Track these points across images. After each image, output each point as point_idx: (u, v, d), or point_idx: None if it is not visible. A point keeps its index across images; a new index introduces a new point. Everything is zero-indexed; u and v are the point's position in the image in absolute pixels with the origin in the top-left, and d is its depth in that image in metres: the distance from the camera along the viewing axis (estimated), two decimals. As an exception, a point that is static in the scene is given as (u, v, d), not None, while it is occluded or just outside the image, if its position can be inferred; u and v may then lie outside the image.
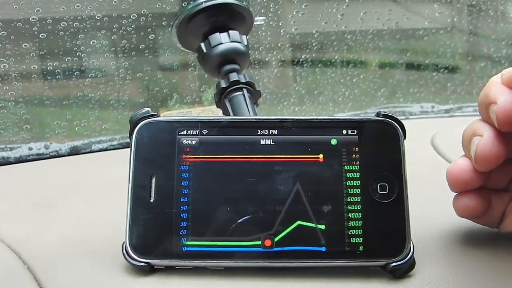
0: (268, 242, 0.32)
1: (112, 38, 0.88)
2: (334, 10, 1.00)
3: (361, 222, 0.32)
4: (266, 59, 1.02)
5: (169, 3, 0.87)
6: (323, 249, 0.31)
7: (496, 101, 0.29)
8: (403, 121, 0.33)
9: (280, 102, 1.03)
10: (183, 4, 0.86)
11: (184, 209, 0.32)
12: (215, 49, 0.47)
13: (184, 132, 0.33)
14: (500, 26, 1.18)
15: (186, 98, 0.98)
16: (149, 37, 0.87)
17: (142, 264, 0.31)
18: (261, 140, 0.33)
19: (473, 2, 1.18)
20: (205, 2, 0.47)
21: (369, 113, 0.89)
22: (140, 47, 0.88)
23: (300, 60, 1.05)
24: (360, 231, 0.32)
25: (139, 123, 0.33)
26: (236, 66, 0.48)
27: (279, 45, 1.03)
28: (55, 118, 0.83)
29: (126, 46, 0.87)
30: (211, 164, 0.33)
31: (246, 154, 0.33)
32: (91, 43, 0.88)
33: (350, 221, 0.32)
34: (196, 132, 0.33)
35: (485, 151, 0.30)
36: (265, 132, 0.33)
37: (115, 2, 0.81)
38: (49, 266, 0.34)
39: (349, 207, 0.32)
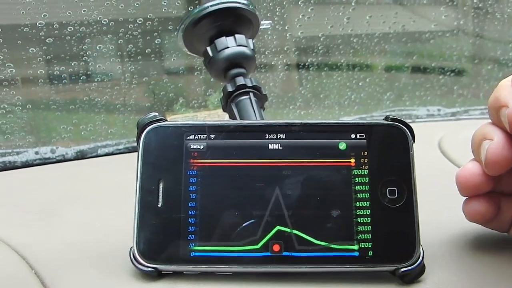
0: (276, 247, 0.31)
1: (119, 42, 0.88)
2: (340, 14, 1.00)
3: (370, 227, 0.31)
4: (272, 63, 1.02)
5: (175, 8, 0.87)
6: (332, 254, 0.31)
7: (507, 105, 0.29)
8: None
9: (286, 105, 1.03)
10: (189, 8, 0.87)
11: (192, 214, 0.32)
12: (221, 53, 0.47)
13: (192, 137, 0.33)
14: (506, 29, 1.18)
15: (192, 102, 0.98)
16: (155, 42, 0.87)
17: (149, 269, 0.31)
18: (269, 145, 0.33)
19: (480, 5, 1.17)
20: (211, 6, 0.47)
21: (375, 117, 0.88)
22: (146, 51, 0.88)
23: (306, 63, 1.05)
24: (369, 236, 0.31)
25: (146, 127, 0.33)
26: (242, 70, 0.48)
27: (285, 48, 1.03)
28: (61, 123, 0.83)
29: (132, 51, 0.87)
30: (219, 168, 0.33)
31: (254, 158, 0.33)
32: (97, 47, 0.88)
33: (359, 226, 0.31)
34: (203, 136, 0.33)
35: (495, 155, 0.29)
36: (273, 136, 0.33)
37: (121, 6, 0.82)
38: (56, 271, 0.34)
39: (358, 212, 0.32)
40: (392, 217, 0.32)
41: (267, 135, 0.33)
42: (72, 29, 0.80)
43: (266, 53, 0.98)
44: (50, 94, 0.87)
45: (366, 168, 0.32)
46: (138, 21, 0.83)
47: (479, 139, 0.31)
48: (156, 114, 0.34)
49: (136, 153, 0.33)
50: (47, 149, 0.68)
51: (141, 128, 0.33)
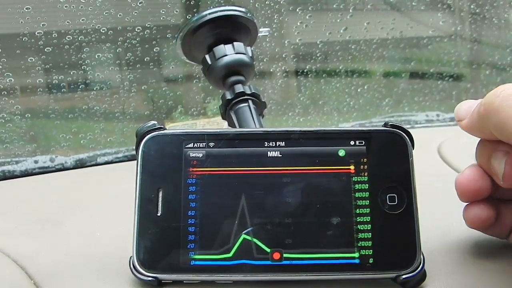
0: (276, 255, 0.31)
1: (117, 51, 0.88)
2: (338, 20, 1.01)
3: (370, 234, 0.31)
4: (271, 70, 1.03)
5: (173, 16, 0.88)
6: (333, 262, 0.31)
7: None
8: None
9: (285, 112, 1.03)
10: (187, 17, 0.87)
11: (192, 222, 0.32)
12: (220, 60, 0.47)
13: (191, 145, 0.33)
14: (504, 34, 1.18)
15: (191, 110, 0.99)
16: (154, 50, 0.87)
17: (149, 278, 0.31)
18: (269, 152, 0.33)
19: (477, 10, 1.18)
20: (209, 14, 0.47)
21: (374, 123, 0.88)
22: (145, 59, 0.88)
23: (305, 70, 1.05)
24: (370, 243, 0.31)
25: (145, 136, 0.33)
26: (241, 78, 0.48)
27: (283, 55, 1.03)
28: (60, 131, 0.83)
29: (131, 59, 0.87)
30: (218, 177, 0.32)
31: (254, 166, 0.33)
32: (96, 56, 0.88)
33: (360, 233, 0.31)
34: (203, 145, 0.33)
35: None
36: (272, 144, 0.33)
37: (119, 15, 0.82)
38: (56, 281, 0.33)
39: (358, 219, 0.32)
40: (392, 223, 0.32)
41: (266, 143, 0.33)
42: (71, 38, 0.80)
43: (265, 60, 0.99)
44: (49, 102, 0.88)
45: (365, 175, 0.32)
46: (136, 30, 0.83)
47: (490, 150, 0.30)
48: (155, 122, 0.34)
49: (135, 161, 0.33)
50: (46, 158, 0.67)
51: (140, 136, 0.33)
